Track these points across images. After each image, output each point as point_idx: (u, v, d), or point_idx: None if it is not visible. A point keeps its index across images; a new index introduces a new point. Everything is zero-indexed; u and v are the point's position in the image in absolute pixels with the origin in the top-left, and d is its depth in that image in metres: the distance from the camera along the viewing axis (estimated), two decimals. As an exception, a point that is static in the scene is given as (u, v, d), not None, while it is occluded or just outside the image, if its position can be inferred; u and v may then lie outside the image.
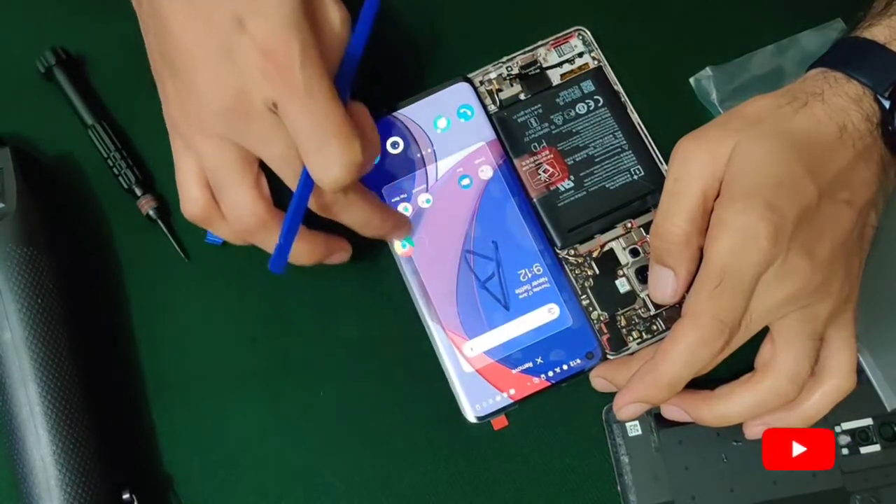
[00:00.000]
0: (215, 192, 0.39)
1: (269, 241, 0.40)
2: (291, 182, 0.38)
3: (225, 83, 0.36)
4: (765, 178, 0.36)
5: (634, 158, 0.46)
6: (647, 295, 0.45)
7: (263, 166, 0.39)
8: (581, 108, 0.47)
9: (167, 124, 0.41)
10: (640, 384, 0.38)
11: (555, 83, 0.48)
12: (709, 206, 0.38)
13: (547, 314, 0.44)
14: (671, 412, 0.41)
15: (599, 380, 0.43)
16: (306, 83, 0.35)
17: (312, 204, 0.39)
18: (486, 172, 0.46)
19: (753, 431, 0.41)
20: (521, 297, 0.45)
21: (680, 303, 0.38)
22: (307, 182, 0.37)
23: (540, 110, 0.47)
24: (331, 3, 0.38)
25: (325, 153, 0.35)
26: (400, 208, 0.46)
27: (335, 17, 0.38)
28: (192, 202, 0.40)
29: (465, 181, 0.46)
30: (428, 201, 0.46)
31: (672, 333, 0.37)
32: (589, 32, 0.49)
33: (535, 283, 0.45)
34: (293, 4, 0.35)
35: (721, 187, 0.38)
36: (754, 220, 0.35)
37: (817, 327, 0.38)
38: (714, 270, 0.36)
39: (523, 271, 0.45)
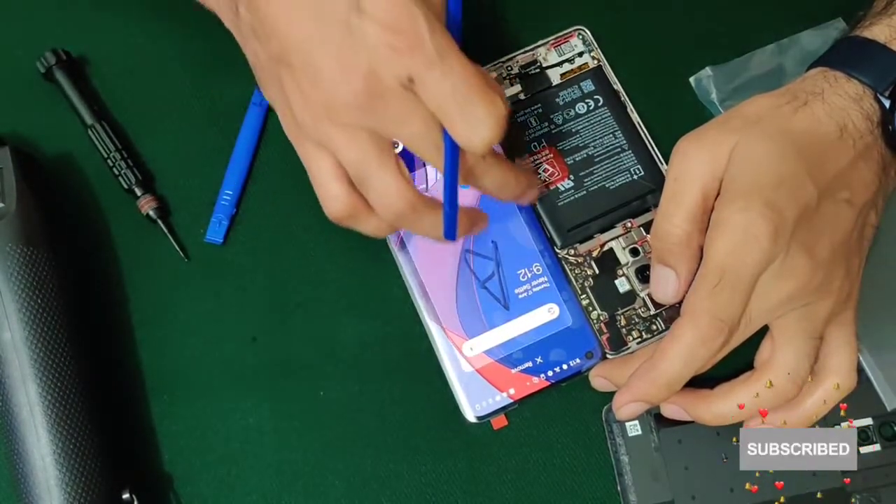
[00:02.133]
0: (359, 184, 0.38)
1: (419, 223, 0.38)
2: (431, 156, 0.37)
3: (353, 68, 0.35)
4: (765, 178, 0.36)
5: (634, 158, 0.46)
6: (647, 294, 0.45)
7: None
8: (581, 107, 0.47)
9: (288, 131, 0.39)
10: (639, 383, 0.38)
11: (554, 83, 0.48)
12: (709, 206, 0.38)
13: (546, 314, 0.44)
14: (671, 411, 0.41)
15: (599, 379, 0.43)
16: (439, 50, 0.34)
17: None
18: (486, 172, 0.46)
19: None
20: (520, 296, 0.45)
21: (681, 302, 0.38)
22: (454, 150, 0.36)
23: (540, 110, 0.47)
24: None
25: (472, 115, 0.34)
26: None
27: None
28: (334, 200, 0.38)
29: (465, 181, 0.46)
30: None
31: (671, 332, 0.37)
32: (589, 32, 0.49)
33: (534, 283, 0.45)
34: None
35: (721, 186, 0.37)
36: (754, 218, 0.35)
37: (817, 326, 0.38)
38: (713, 269, 0.36)
39: (523, 271, 0.45)
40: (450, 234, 0.39)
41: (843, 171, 0.38)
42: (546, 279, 0.45)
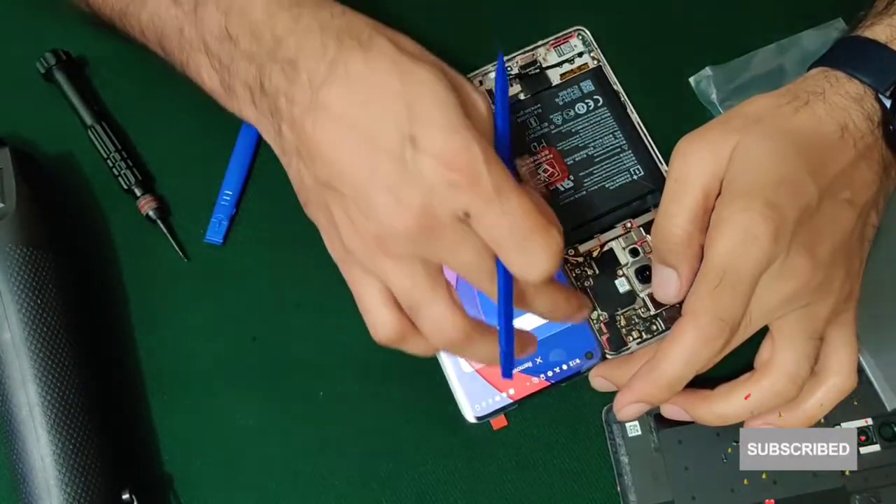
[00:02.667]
0: (410, 312, 0.37)
1: (471, 351, 0.38)
2: (483, 285, 0.36)
3: (407, 203, 0.34)
4: (765, 177, 0.36)
5: (634, 158, 0.46)
6: (647, 295, 0.45)
7: None
8: (581, 107, 0.47)
9: (334, 252, 0.39)
10: (640, 384, 0.38)
11: (554, 83, 0.48)
12: (710, 206, 0.38)
13: None
14: (671, 411, 0.41)
15: (599, 379, 0.43)
16: (496, 185, 0.33)
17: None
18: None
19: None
20: None
21: (681, 302, 0.38)
22: (508, 283, 0.36)
23: (539, 110, 0.47)
24: (473, 91, 0.37)
25: (530, 250, 0.34)
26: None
27: (481, 104, 0.36)
28: (384, 326, 0.37)
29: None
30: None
31: (672, 333, 0.37)
32: (588, 32, 0.49)
33: None
34: (456, 109, 0.34)
35: (722, 186, 0.37)
36: (755, 218, 0.35)
37: (817, 326, 0.38)
38: (714, 269, 0.36)
39: None
40: (506, 374, 0.37)
41: (844, 170, 0.38)
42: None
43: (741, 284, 0.36)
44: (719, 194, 0.37)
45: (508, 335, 0.37)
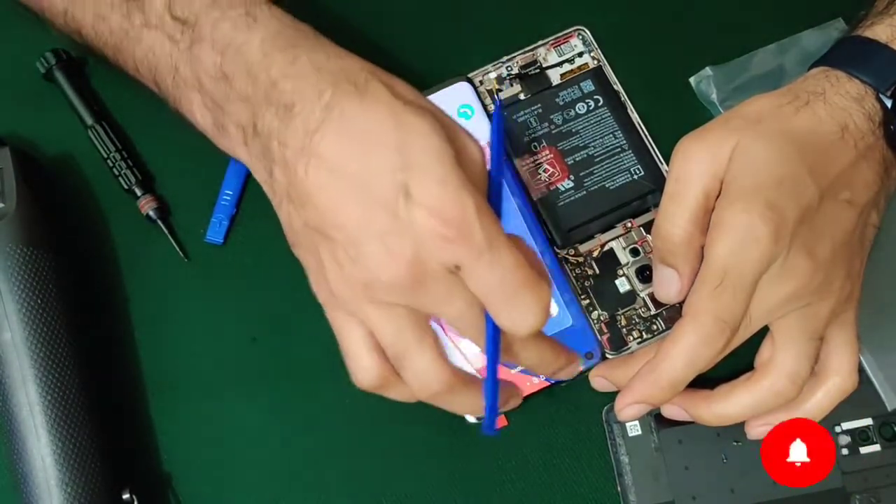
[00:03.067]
0: (395, 363, 0.36)
1: (454, 403, 0.37)
2: (471, 335, 0.36)
3: (398, 253, 0.33)
4: (765, 178, 0.36)
5: (634, 158, 0.46)
6: (648, 294, 0.45)
7: None
8: (581, 107, 0.47)
9: (320, 295, 0.38)
10: (641, 384, 0.38)
11: (555, 83, 0.48)
12: (710, 206, 0.38)
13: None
14: (671, 411, 0.41)
15: (599, 379, 0.43)
16: (487, 240, 0.33)
17: None
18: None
19: (756, 432, 0.41)
20: None
21: (682, 302, 0.38)
22: (495, 336, 0.35)
23: (540, 110, 0.47)
24: (467, 139, 0.36)
25: (518, 305, 0.33)
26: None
27: (476, 153, 0.35)
28: (366, 371, 0.37)
29: (465, 181, 0.46)
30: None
31: (673, 333, 0.37)
32: (589, 32, 0.49)
33: None
34: (451, 159, 0.33)
35: (722, 187, 0.37)
36: (755, 219, 0.35)
37: (818, 327, 0.38)
38: (714, 270, 0.36)
39: None
40: (488, 430, 0.37)
41: (845, 171, 0.38)
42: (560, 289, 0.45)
43: (741, 285, 0.36)
44: (719, 194, 0.37)
45: (494, 389, 0.36)
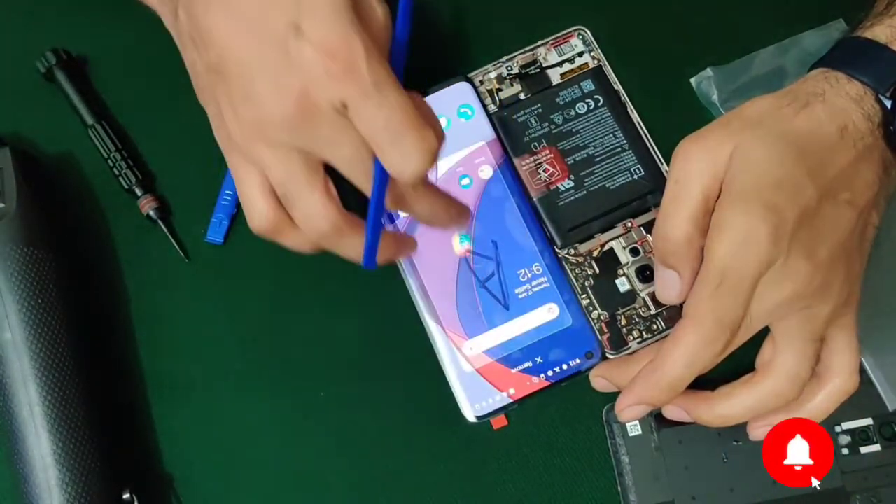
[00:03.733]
0: (286, 203, 0.38)
1: (343, 246, 0.38)
2: (360, 181, 0.37)
3: (287, 90, 0.34)
4: (765, 179, 0.36)
5: (634, 158, 0.46)
6: (648, 294, 0.45)
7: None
8: (581, 107, 0.47)
9: (220, 140, 0.39)
10: (641, 386, 0.38)
11: (555, 83, 0.48)
12: (710, 208, 0.38)
13: (546, 314, 0.44)
14: (672, 412, 0.41)
15: (599, 380, 0.43)
16: (374, 79, 0.34)
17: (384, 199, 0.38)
18: (486, 172, 0.46)
19: (758, 433, 0.41)
20: (520, 296, 0.45)
21: (683, 303, 0.38)
22: (382, 177, 0.36)
23: (540, 110, 0.47)
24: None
25: (403, 146, 0.34)
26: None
27: (379, 11, 0.37)
28: (260, 216, 0.38)
29: (465, 181, 0.46)
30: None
31: (673, 335, 0.37)
32: (589, 32, 0.49)
33: (534, 283, 0.45)
34: (345, 4, 0.34)
35: (722, 188, 0.37)
36: (754, 221, 0.35)
37: (818, 328, 0.38)
38: (714, 272, 0.36)
39: (523, 271, 0.45)
40: (369, 263, 0.38)
41: (844, 171, 0.38)
42: (546, 279, 0.45)
43: (741, 287, 0.36)
44: (719, 196, 0.37)
45: (375, 228, 0.37)
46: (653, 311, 0.44)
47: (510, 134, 0.47)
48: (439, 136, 0.35)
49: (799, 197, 0.36)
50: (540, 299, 0.45)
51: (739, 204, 0.36)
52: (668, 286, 0.39)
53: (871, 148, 0.38)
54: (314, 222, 0.37)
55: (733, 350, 0.37)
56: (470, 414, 0.43)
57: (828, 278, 0.37)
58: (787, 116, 0.38)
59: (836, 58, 0.40)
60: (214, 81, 0.37)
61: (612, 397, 0.44)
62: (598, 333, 0.44)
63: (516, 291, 0.45)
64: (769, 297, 0.36)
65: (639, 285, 0.45)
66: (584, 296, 0.45)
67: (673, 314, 0.44)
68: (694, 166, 0.38)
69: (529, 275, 0.45)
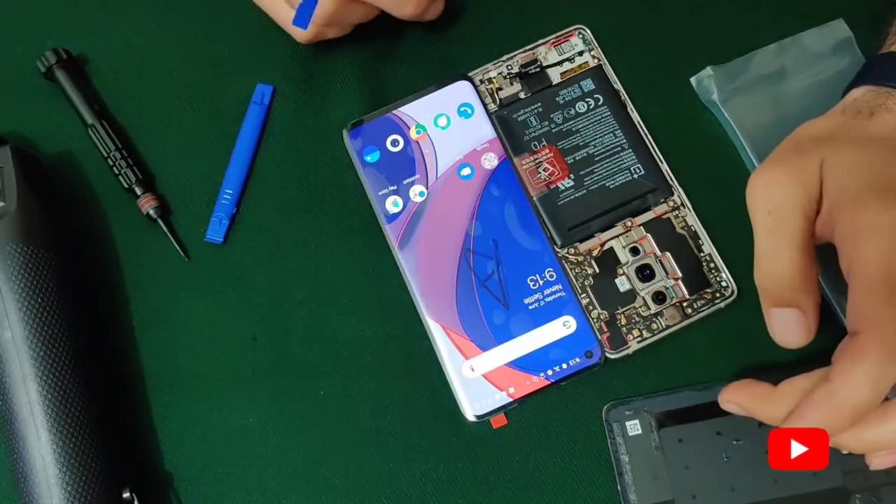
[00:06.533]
0: None
1: None
2: None
3: None
4: (881, 179, 0.35)
5: (634, 157, 0.46)
6: (647, 293, 0.45)
7: None
8: (581, 106, 0.47)
9: None
10: (817, 412, 0.33)
11: (555, 82, 0.48)
12: (812, 231, 0.36)
13: (562, 328, 0.44)
14: (729, 406, 0.38)
15: (731, 405, 0.39)
16: None
17: None
18: (486, 171, 0.46)
19: (884, 461, 0.37)
20: (531, 307, 0.44)
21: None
22: None
23: (540, 109, 0.47)
24: None
25: None
26: (398, 207, 0.46)
27: None
28: None
29: (466, 180, 0.46)
30: (427, 199, 0.46)
31: (849, 352, 0.33)
32: (589, 31, 0.49)
33: (547, 292, 0.45)
34: None
35: (826, 204, 0.36)
36: None
37: None
38: (879, 276, 0.33)
39: (534, 277, 0.45)
40: (300, 22, 0.41)
41: None
42: (561, 287, 0.45)
43: None
44: (819, 214, 0.36)
45: None
46: (653, 311, 0.44)
47: (510, 133, 0.47)
48: None
49: None
50: (554, 311, 0.44)
51: (873, 204, 0.34)
52: (790, 327, 0.36)
53: None
54: None
55: None
56: (470, 413, 0.43)
57: None
58: (860, 126, 0.38)
59: (879, 74, 0.40)
60: None
61: (613, 397, 0.44)
62: (597, 333, 0.44)
63: (526, 301, 0.44)
64: None
65: (638, 284, 0.45)
66: (583, 295, 0.45)
67: (673, 312, 0.44)
68: (786, 191, 0.36)
69: (542, 282, 0.45)
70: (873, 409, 0.33)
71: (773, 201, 0.37)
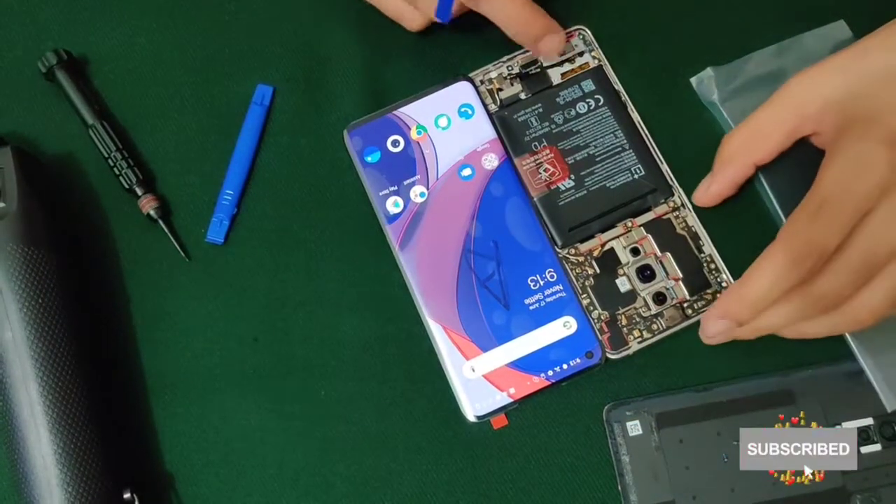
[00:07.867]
0: None
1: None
2: None
3: None
4: (888, 105, 0.37)
5: (635, 157, 0.46)
6: (648, 294, 0.45)
7: None
8: (581, 107, 0.47)
9: None
10: (726, 299, 0.39)
11: (555, 82, 0.48)
12: (802, 131, 0.41)
13: (562, 329, 0.44)
14: (714, 328, 0.41)
15: (711, 324, 0.42)
16: None
17: None
18: (487, 171, 0.46)
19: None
20: (531, 307, 0.44)
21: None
22: None
23: (540, 109, 0.47)
24: None
25: None
26: (398, 207, 0.46)
27: None
28: None
29: (466, 181, 0.46)
30: (428, 199, 0.46)
31: (763, 254, 0.37)
32: (589, 31, 0.49)
33: (548, 292, 0.45)
34: None
35: (844, 117, 0.38)
36: (870, 146, 0.35)
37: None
38: (815, 196, 0.36)
39: (534, 277, 0.45)
40: (442, 15, 0.40)
41: None
42: (562, 287, 0.45)
43: (842, 211, 0.36)
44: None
45: None
46: (653, 311, 0.44)
47: (511, 133, 0.47)
48: None
49: None
50: (555, 311, 0.44)
51: (857, 129, 0.36)
52: (702, 185, 0.44)
53: None
54: None
55: (839, 291, 0.37)
56: (470, 413, 0.43)
57: None
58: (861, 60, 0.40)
59: None
60: None
61: (613, 397, 0.44)
62: (598, 333, 0.44)
63: (527, 302, 0.45)
64: (883, 233, 0.36)
65: (639, 285, 0.45)
66: (584, 295, 0.45)
67: (673, 314, 0.44)
68: (814, 89, 0.40)
69: (542, 282, 0.45)
70: (770, 302, 0.38)
71: (794, 94, 0.41)
